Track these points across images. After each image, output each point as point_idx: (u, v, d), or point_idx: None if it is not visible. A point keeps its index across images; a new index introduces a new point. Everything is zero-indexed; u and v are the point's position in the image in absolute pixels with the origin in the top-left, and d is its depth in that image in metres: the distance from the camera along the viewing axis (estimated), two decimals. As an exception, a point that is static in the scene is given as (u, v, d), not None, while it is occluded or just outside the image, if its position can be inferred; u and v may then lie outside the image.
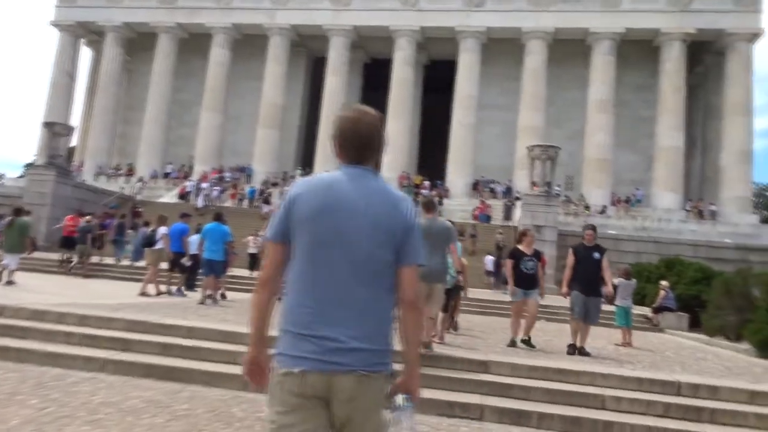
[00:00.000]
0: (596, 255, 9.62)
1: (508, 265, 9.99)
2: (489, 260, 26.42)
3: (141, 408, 5.82)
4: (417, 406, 2.26)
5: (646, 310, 18.14)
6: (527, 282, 9.68)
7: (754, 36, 37.19)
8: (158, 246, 14.83)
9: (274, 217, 2.31)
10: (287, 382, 2.13)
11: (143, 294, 13.73)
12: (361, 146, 2.28)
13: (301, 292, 2.18)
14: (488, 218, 33.58)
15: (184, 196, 35.65)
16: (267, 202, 33.93)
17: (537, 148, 27.62)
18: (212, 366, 7.35)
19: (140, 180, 39.25)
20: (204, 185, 35.35)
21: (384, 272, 2.20)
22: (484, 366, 7.45)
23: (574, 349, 9.46)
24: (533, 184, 27.83)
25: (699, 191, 40.66)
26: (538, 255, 9.98)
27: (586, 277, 9.55)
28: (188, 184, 36.74)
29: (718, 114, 38.73)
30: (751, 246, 29.38)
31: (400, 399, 2.18)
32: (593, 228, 10.04)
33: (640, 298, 19.59)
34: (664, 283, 17.48)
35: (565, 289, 9.84)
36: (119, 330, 8.45)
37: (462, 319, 14.90)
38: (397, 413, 2.17)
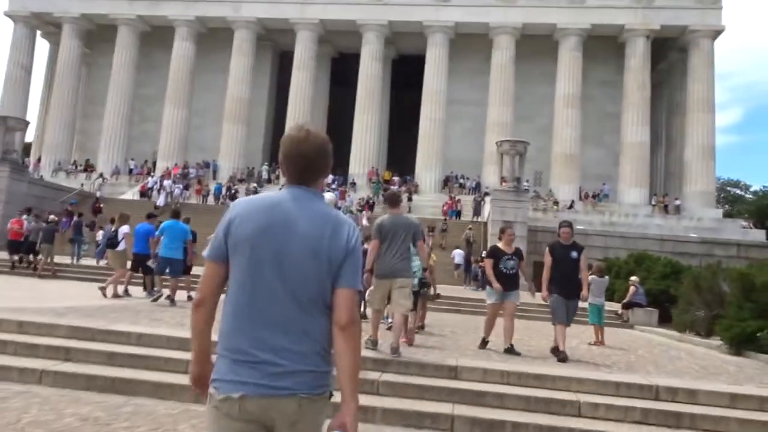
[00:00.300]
0: (574, 254, 8.95)
1: (487, 264, 9.21)
2: (458, 254, 26.16)
3: (75, 428, 5.21)
4: None
5: (616, 306, 17.99)
6: (507, 282, 8.99)
7: (716, 33, 37.65)
8: (121, 247, 14.09)
9: (214, 235, 2.25)
10: (226, 408, 2.09)
11: (115, 296, 13.18)
12: (304, 167, 2.24)
13: (237, 316, 2.14)
14: (458, 214, 33.35)
15: (145, 193, 34.55)
16: (234, 198, 33.08)
17: (506, 143, 27.39)
18: (162, 376, 6.75)
19: (100, 176, 37.94)
20: (166, 182, 34.26)
21: (322, 295, 2.16)
22: (454, 372, 7.00)
23: (565, 355, 8.54)
24: (502, 179, 27.60)
25: (664, 186, 41.13)
26: (519, 253, 9.27)
27: (566, 277, 8.89)
28: (150, 181, 35.63)
29: (681, 110, 39.17)
30: (715, 240, 29.68)
31: None
32: (569, 225, 9.21)
33: (609, 294, 19.43)
34: (633, 278, 17.33)
35: (544, 292, 9.01)
36: (61, 337, 7.76)
37: (433, 318, 14.50)
38: None
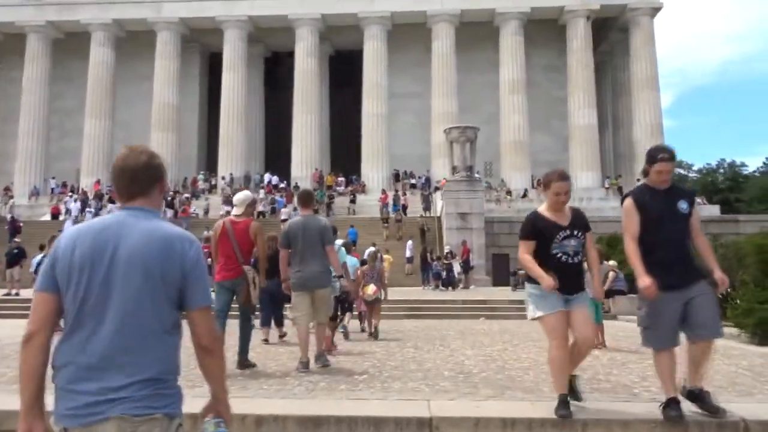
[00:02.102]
0: (683, 206, 4.37)
1: (524, 250, 4.55)
2: (408, 246, 23.78)
3: None
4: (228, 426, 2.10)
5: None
6: (569, 278, 4.44)
7: (654, 10, 36.51)
8: None
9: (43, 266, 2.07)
10: None
11: None
12: (129, 184, 2.10)
13: (69, 346, 1.97)
14: (403, 209, 30.59)
15: (56, 215, 30.77)
16: (171, 206, 29.85)
17: (454, 129, 25.16)
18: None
19: (10, 197, 33.77)
20: (72, 205, 30.20)
21: (160, 318, 1.99)
22: (428, 427, 4.31)
23: (678, 412, 4.19)
24: (453, 168, 25.29)
25: (614, 168, 39.77)
26: (581, 223, 4.58)
27: (674, 248, 4.35)
28: (67, 200, 31.78)
29: (626, 90, 37.91)
30: (674, 218, 28.19)
31: (210, 424, 2.07)
32: (669, 153, 4.40)
33: (583, 282, 17.27)
34: (611, 262, 15.05)
35: (646, 280, 4.18)
36: None
37: (389, 325, 11.85)
38: None
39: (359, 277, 9.94)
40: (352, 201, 32.42)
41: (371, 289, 10.04)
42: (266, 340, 9.47)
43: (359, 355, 8.06)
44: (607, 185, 35.76)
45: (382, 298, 10.55)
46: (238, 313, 6.79)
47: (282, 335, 9.83)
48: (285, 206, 29.68)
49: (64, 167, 38.36)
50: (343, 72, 41.99)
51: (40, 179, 36.88)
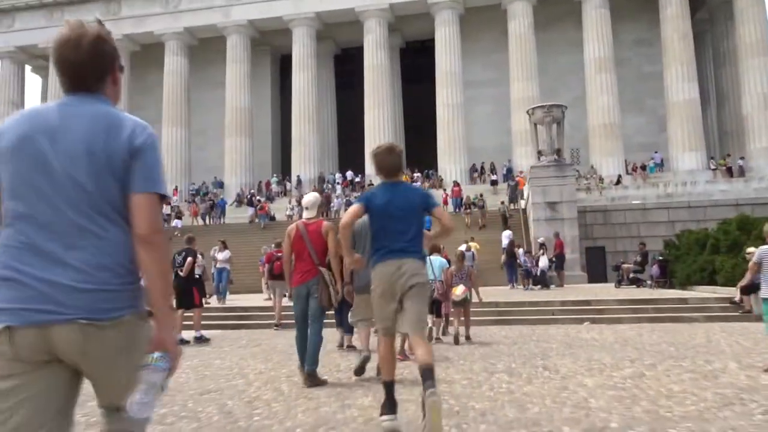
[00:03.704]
0: None
1: None
2: (506, 235, 21.15)
3: None
4: (173, 362, 1.78)
5: (726, 292, 12.60)
6: None
7: (762, -34, 31.74)
8: None
9: None
10: None
11: None
12: (75, 69, 1.81)
13: (7, 234, 1.76)
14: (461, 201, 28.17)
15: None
16: (251, 204, 30.40)
17: (538, 110, 22.25)
18: None
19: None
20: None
21: (109, 201, 1.77)
22: None
23: None
24: (539, 153, 22.34)
25: (720, 147, 35.10)
26: None
27: None
28: None
29: (731, 60, 33.31)
30: (803, 198, 23.95)
31: (151, 357, 1.74)
32: None
33: (709, 275, 14.05)
34: (751, 249, 11.88)
35: None
36: None
37: (472, 335, 9.45)
38: (147, 373, 1.71)
39: (447, 279, 9.12)
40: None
41: (460, 289, 9.10)
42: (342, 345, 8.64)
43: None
44: (713, 166, 31.38)
45: (470, 299, 9.53)
46: (313, 318, 6.02)
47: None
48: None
49: (146, 177, 38.36)
50: (416, 65, 39.78)
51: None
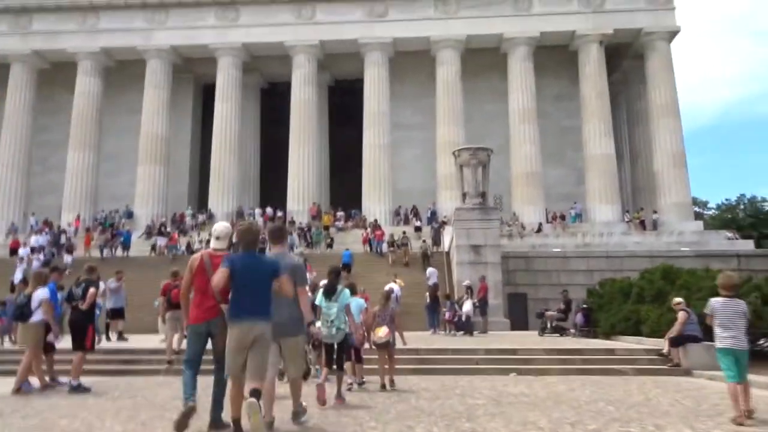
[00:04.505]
0: None
1: None
2: (433, 272, 20.29)
3: None
4: None
5: (652, 343, 11.97)
6: None
7: (671, 34, 33.61)
8: (35, 318, 8.81)
9: None
10: None
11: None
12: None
13: None
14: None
15: (15, 250, 27.50)
16: (161, 234, 28.07)
17: (464, 151, 21.72)
18: None
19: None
20: (21, 251, 26.29)
21: None
22: None
23: None
24: (464, 196, 21.72)
25: (633, 201, 36.18)
26: None
27: None
28: (32, 239, 28.41)
29: (644, 119, 34.68)
30: (710, 253, 24.70)
31: None
32: None
33: (634, 326, 13.48)
34: (678, 300, 11.39)
35: None
36: None
37: (403, 381, 8.15)
38: None
39: (368, 320, 8.70)
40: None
41: (383, 330, 8.55)
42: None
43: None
44: (628, 219, 32.12)
45: (394, 343, 8.86)
46: (212, 362, 5.44)
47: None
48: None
49: (47, 203, 35.00)
50: (344, 104, 39.09)
51: (19, 215, 33.53)
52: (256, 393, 4.60)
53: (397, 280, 19.96)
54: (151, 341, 14.32)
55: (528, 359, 11.19)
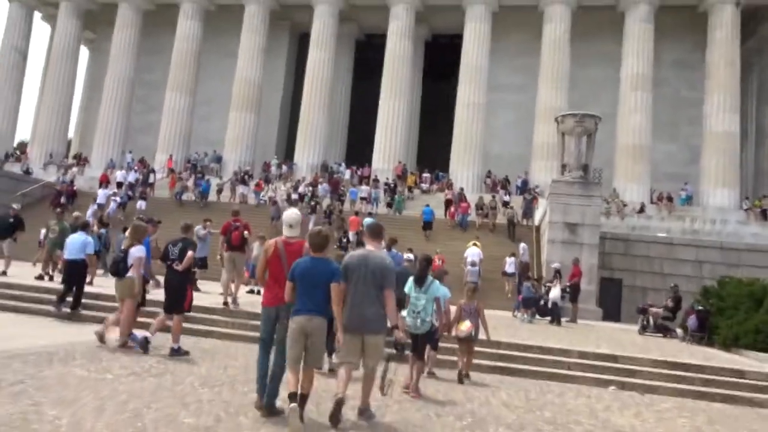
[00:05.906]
0: None
1: None
2: (510, 261, 18.28)
3: None
4: None
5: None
6: None
7: (827, -3, 28.51)
8: (129, 274, 8.31)
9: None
10: None
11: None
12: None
13: None
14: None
15: (103, 183, 27.79)
16: (244, 182, 28.18)
17: (569, 117, 19.17)
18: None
19: (77, 162, 31.33)
20: (101, 191, 25.31)
21: None
22: None
23: None
24: (563, 167, 19.29)
25: (754, 187, 31.85)
26: None
27: None
28: (118, 174, 28.80)
29: (778, 95, 30.07)
30: None
31: None
32: None
33: (764, 339, 11.03)
34: None
35: None
36: None
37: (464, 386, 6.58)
38: None
39: (450, 311, 8.03)
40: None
41: (465, 325, 8.13)
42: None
43: None
44: (746, 206, 28.21)
45: (476, 338, 8.23)
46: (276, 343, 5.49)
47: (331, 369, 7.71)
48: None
49: (146, 142, 35.67)
50: (440, 60, 36.72)
51: (118, 152, 34.34)
52: (302, 399, 4.92)
53: (477, 244, 18.30)
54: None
55: (631, 370, 9.20)
